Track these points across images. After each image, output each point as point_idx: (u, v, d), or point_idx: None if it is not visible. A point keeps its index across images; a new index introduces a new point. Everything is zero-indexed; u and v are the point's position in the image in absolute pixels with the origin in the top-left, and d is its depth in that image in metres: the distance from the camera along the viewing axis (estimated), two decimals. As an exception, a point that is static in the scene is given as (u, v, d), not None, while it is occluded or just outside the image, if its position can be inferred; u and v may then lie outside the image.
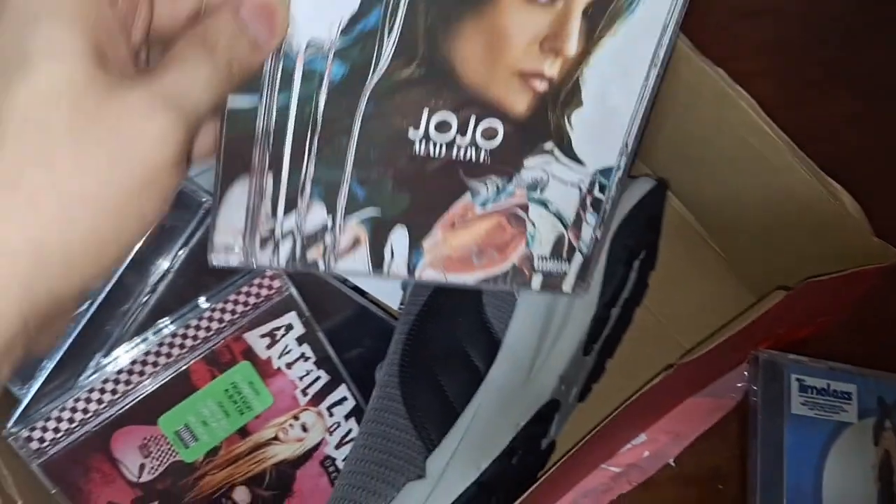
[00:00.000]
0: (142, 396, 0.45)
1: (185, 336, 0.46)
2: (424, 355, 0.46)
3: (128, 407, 0.45)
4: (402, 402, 0.44)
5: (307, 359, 0.48)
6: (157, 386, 0.45)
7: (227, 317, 0.47)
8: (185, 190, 0.45)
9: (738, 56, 0.51)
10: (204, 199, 0.46)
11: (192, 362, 0.46)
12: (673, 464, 0.50)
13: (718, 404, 0.51)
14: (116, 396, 0.44)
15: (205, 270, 0.46)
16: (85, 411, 0.44)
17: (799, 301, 0.45)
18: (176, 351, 0.46)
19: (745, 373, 0.53)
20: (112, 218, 0.25)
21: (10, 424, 0.43)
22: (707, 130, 0.53)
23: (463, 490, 0.40)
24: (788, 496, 0.50)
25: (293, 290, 0.48)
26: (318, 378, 0.49)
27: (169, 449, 0.46)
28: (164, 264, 0.46)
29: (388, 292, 0.54)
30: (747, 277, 0.59)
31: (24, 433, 0.43)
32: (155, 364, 0.45)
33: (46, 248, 0.24)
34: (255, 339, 0.47)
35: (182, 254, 0.46)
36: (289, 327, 0.48)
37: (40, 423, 0.43)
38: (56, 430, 0.43)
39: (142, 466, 0.45)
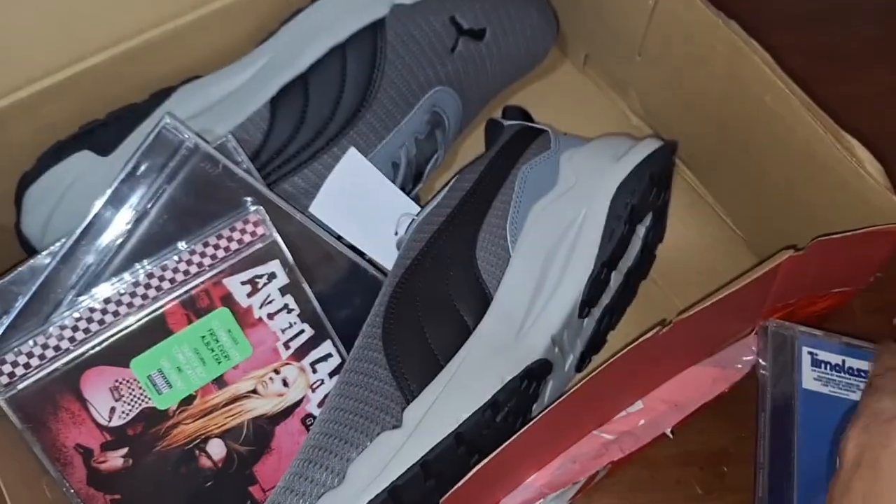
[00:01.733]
0: (115, 337, 0.43)
1: (161, 278, 0.44)
2: (411, 306, 0.44)
3: (100, 347, 0.43)
4: (384, 352, 0.42)
5: (290, 311, 0.46)
6: (132, 327, 0.43)
7: (207, 261, 0.44)
8: (165, 128, 0.44)
9: (770, 29, 0.49)
10: (186, 137, 0.44)
11: (168, 305, 0.44)
12: (670, 434, 0.47)
13: (723, 374, 0.48)
14: (89, 335, 0.42)
15: (186, 213, 0.45)
16: (56, 348, 0.42)
17: (810, 263, 0.43)
18: (152, 292, 0.44)
19: (753, 346, 0.50)
20: None
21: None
22: (721, 88, 0.50)
23: (439, 441, 0.38)
24: (800, 470, 0.47)
25: (277, 238, 0.46)
26: (301, 332, 0.47)
27: (141, 394, 0.43)
28: (143, 203, 0.44)
29: (384, 253, 0.53)
30: (761, 251, 0.56)
31: (-7, 367, 0.41)
32: (130, 305, 0.43)
33: None
34: (236, 286, 0.45)
35: (162, 193, 0.44)
36: (271, 276, 0.46)
37: (10, 358, 0.41)
38: (26, 365, 0.41)
39: (112, 410, 0.43)
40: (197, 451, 0.45)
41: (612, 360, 0.39)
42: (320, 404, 0.47)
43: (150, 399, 0.44)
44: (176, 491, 0.45)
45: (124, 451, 0.44)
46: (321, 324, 0.47)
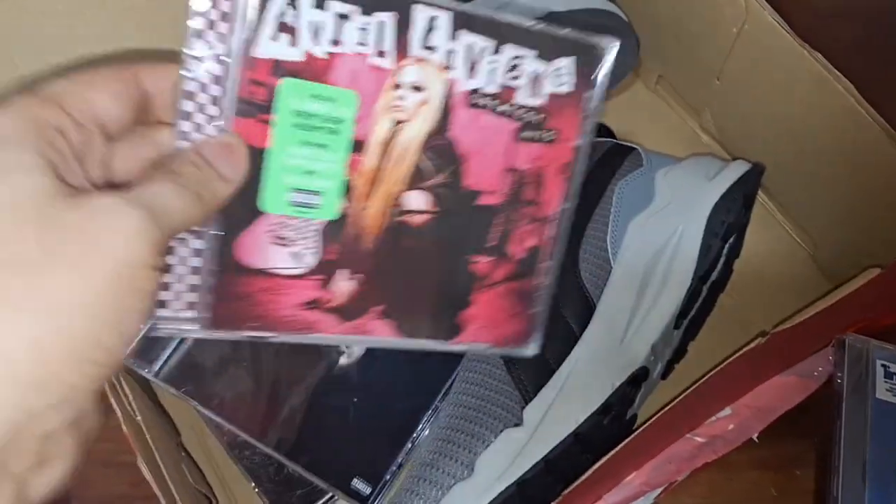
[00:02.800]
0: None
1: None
2: (521, 313, 0.47)
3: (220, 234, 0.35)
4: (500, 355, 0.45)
5: (343, 16, 0.34)
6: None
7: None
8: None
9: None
10: None
11: (230, 125, 0.33)
12: (756, 439, 0.50)
13: (802, 383, 0.51)
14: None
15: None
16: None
17: (894, 280, 0.46)
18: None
19: (830, 357, 0.53)
20: (88, 319, 0.25)
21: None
22: (801, 114, 0.53)
23: (561, 440, 0.41)
24: (870, 481, 0.50)
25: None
26: (380, 24, 0.35)
27: (302, 223, 0.36)
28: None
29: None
30: (830, 268, 0.59)
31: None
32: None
33: (15, 361, 0.24)
34: (266, 46, 0.33)
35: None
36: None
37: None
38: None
39: (294, 255, 0.36)
40: (401, 219, 0.38)
41: (717, 369, 0.42)
42: (470, 74, 0.37)
43: (313, 220, 0.36)
44: (412, 261, 0.39)
45: (344, 273, 0.38)
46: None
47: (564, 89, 0.38)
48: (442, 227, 0.38)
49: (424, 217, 0.38)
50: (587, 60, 0.38)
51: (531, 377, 0.44)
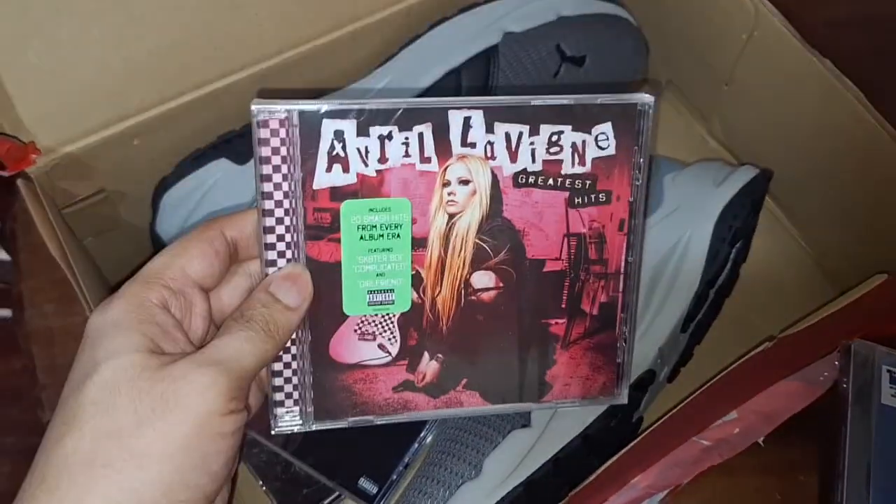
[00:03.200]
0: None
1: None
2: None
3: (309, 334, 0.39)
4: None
5: (386, 137, 0.38)
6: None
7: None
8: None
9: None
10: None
11: (305, 249, 0.38)
12: (761, 443, 0.51)
13: (808, 390, 0.51)
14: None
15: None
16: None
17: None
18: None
19: (836, 362, 0.53)
20: (174, 465, 0.30)
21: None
22: (810, 122, 0.54)
23: (569, 441, 0.42)
24: (874, 487, 0.50)
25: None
26: (420, 134, 0.38)
27: (383, 319, 0.40)
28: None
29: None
30: (837, 274, 0.60)
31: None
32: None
33: (140, 496, 0.30)
34: (321, 173, 0.37)
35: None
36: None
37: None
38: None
39: (380, 346, 0.41)
40: (472, 298, 0.41)
41: (723, 373, 0.42)
42: (514, 158, 0.40)
43: (393, 314, 0.40)
44: (488, 335, 0.42)
45: (426, 354, 0.41)
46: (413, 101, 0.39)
47: (608, 152, 0.40)
48: (512, 299, 0.41)
49: (493, 292, 0.41)
50: (626, 119, 0.40)
51: (539, 379, 0.45)
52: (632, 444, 0.41)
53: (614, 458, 0.40)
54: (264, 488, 0.51)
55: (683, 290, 0.48)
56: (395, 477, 0.49)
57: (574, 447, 0.42)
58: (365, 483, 0.50)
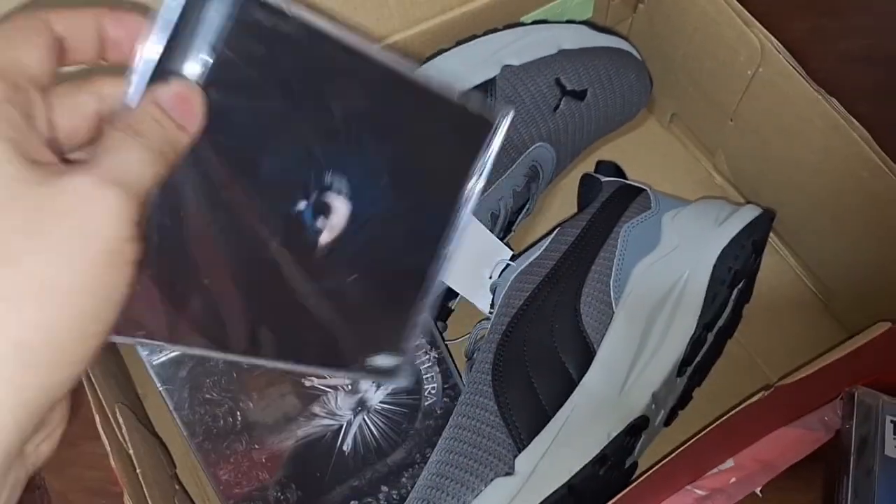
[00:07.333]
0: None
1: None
2: (519, 356, 0.46)
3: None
4: (495, 400, 0.44)
5: None
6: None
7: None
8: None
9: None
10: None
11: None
12: (759, 493, 0.49)
13: (810, 436, 0.50)
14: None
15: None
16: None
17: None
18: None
19: (838, 410, 0.51)
20: (85, 299, 0.26)
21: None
22: (816, 160, 0.52)
23: (553, 490, 0.40)
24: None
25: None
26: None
27: None
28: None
29: (480, 295, 0.54)
30: (845, 318, 0.58)
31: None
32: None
33: (29, 346, 0.25)
34: None
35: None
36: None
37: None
38: None
39: None
40: None
41: (714, 424, 0.41)
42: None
43: None
44: None
45: None
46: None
47: None
48: None
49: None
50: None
51: (525, 423, 0.43)
52: (624, 491, 0.39)
53: (606, 508, 0.39)
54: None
55: (679, 334, 0.46)
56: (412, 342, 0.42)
57: (559, 497, 0.40)
58: (380, 360, 0.42)
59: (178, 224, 0.33)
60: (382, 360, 0.42)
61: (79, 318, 0.26)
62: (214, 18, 0.31)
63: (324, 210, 0.37)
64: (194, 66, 0.31)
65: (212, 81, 0.32)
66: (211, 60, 0.32)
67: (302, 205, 0.36)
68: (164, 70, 0.31)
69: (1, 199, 0.26)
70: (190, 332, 0.36)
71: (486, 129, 0.39)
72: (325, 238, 0.37)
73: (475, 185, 0.40)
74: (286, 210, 0.36)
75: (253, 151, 0.34)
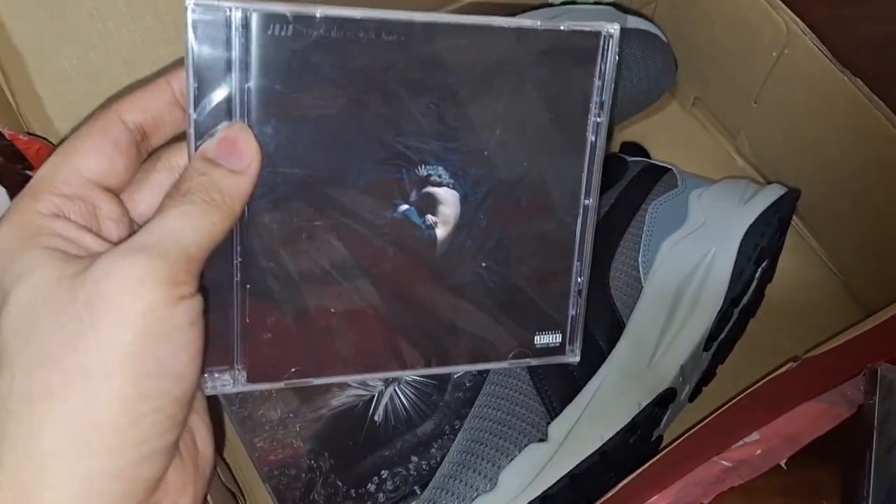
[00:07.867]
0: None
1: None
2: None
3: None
4: (527, 370, 0.45)
5: None
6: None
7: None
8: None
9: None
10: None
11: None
12: (784, 466, 0.50)
13: (833, 411, 0.51)
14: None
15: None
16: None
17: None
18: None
19: (861, 386, 0.52)
20: (134, 377, 0.26)
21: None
22: (840, 141, 0.53)
23: (586, 456, 0.41)
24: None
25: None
26: None
27: None
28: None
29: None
30: (864, 296, 0.59)
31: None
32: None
33: (82, 437, 0.25)
34: None
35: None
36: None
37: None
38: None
39: None
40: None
41: (742, 395, 0.41)
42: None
43: None
44: None
45: None
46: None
47: None
48: None
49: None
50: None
51: (557, 393, 0.44)
52: (651, 461, 0.40)
53: (633, 476, 0.40)
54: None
55: (707, 308, 0.47)
56: (573, 312, 0.41)
57: (591, 463, 0.41)
58: (544, 338, 0.42)
59: (286, 262, 0.33)
60: (544, 340, 0.40)
61: (122, 399, 0.26)
62: (242, 50, 0.30)
63: (429, 205, 0.35)
64: (237, 103, 0.30)
65: (263, 113, 0.31)
66: (255, 92, 0.31)
67: (403, 206, 0.34)
68: (209, 121, 0.30)
69: (38, 307, 0.26)
70: (336, 362, 0.35)
71: (594, 45, 0.35)
72: (441, 233, 0.35)
73: (599, 117, 0.36)
74: (389, 216, 0.34)
75: (333, 168, 0.33)
